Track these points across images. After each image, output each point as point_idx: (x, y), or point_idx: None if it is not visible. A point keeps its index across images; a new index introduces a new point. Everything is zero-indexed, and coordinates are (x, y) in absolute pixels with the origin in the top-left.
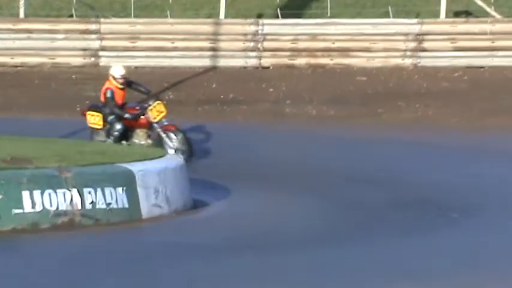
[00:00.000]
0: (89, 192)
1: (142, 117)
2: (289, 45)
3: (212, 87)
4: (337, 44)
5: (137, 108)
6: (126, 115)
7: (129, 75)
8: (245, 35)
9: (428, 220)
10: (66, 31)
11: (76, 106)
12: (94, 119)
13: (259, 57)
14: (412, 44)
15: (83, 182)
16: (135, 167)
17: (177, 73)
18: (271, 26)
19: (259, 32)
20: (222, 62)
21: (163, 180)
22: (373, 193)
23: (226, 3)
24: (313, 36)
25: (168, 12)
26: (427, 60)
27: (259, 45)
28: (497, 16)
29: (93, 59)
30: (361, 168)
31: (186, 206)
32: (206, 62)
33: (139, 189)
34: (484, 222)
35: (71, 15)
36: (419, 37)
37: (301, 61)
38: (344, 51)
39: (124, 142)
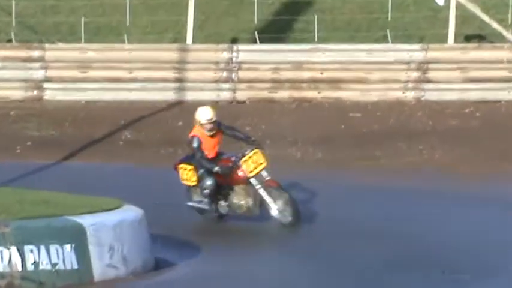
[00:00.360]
0: (31, 251)
1: (238, 171)
2: (269, 75)
3: (177, 125)
4: (326, 74)
5: (232, 159)
6: (216, 169)
7: (218, 118)
8: (217, 63)
9: (433, 283)
10: (4, 58)
11: (16, 148)
12: (186, 174)
13: (234, 90)
14: (415, 74)
15: (24, 239)
16: (86, 221)
17: (135, 109)
18: (247, 52)
19: (234, 59)
20: (190, 96)
21: (120, 236)
22: (366, 251)
23: (194, 26)
24: (298, 65)
25: (125, 36)
26: (432, 94)
27: (234, 75)
28: None
29: (36, 91)
30: (354, 221)
31: (146, 267)
32: (170, 96)
33: (90, 247)
34: (500, 284)
35: (10, 40)
36: (424, 66)
37: (283, 94)
38: (334, 83)
39: (222, 203)
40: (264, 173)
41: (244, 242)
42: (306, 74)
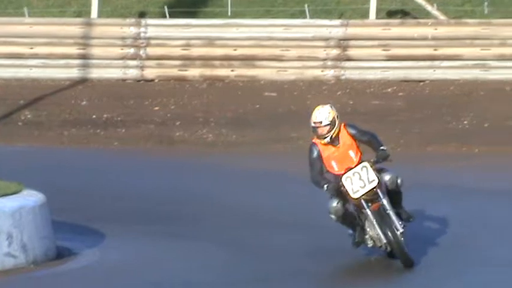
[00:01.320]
0: None
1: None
2: (179, 52)
3: (81, 105)
4: (239, 51)
5: None
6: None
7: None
8: (123, 38)
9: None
10: None
11: None
12: None
13: (142, 67)
14: (335, 52)
15: None
16: None
17: (36, 87)
18: (156, 27)
19: (142, 35)
20: (95, 73)
21: (19, 223)
22: (284, 238)
23: None
24: (210, 41)
25: (26, 9)
26: (352, 72)
27: (142, 51)
28: (441, 17)
29: None
30: (267, 207)
31: (48, 256)
32: (74, 73)
33: None
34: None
35: None
36: (343, 43)
37: (194, 72)
38: (248, 60)
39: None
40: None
41: (152, 229)
42: (218, 51)
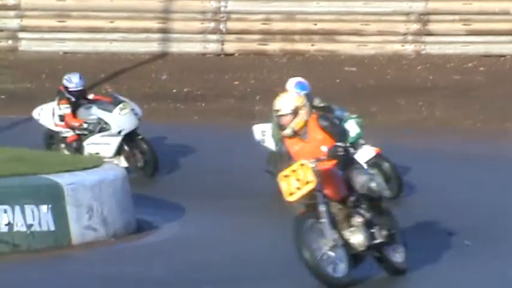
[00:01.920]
0: (5, 211)
1: None
2: (259, 26)
3: (162, 79)
4: (319, 26)
5: None
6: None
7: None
8: (204, 12)
9: (435, 248)
10: None
11: None
12: None
13: (222, 42)
14: (415, 26)
15: None
16: (64, 179)
17: (117, 61)
18: (237, 1)
19: (222, 9)
20: (175, 47)
21: (99, 197)
22: None
23: None
24: (290, 16)
25: None
26: (433, 47)
27: (222, 26)
28: None
29: (10, 41)
30: None
31: (127, 229)
32: (154, 47)
33: (68, 208)
34: (504, 250)
35: None
36: (424, 17)
37: (274, 47)
38: (329, 35)
39: None
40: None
41: (233, 205)
42: (298, 26)
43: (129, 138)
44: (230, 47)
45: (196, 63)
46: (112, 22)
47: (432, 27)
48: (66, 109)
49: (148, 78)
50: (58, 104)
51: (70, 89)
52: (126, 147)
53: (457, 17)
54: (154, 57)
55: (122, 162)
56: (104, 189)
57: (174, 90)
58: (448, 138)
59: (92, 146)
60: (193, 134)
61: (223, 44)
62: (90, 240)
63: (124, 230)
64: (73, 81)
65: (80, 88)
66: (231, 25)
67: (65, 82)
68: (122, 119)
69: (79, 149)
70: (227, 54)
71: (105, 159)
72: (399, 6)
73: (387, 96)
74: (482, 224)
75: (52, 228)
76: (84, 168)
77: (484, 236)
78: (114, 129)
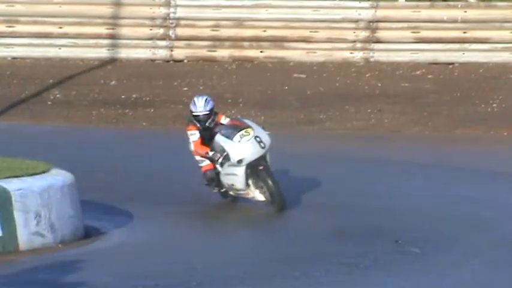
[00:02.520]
0: None
1: None
2: (208, 32)
3: (110, 84)
4: (269, 32)
5: None
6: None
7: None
8: (153, 19)
9: (382, 255)
10: None
11: None
12: None
13: (171, 48)
14: (364, 33)
15: None
16: (12, 185)
17: (65, 66)
18: (186, 8)
19: (171, 15)
20: (124, 53)
21: (48, 202)
22: (313, 221)
23: None
24: (239, 22)
25: None
26: (382, 54)
27: (171, 32)
28: (471, 0)
29: None
30: (298, 189)
31: (75, 235)
32: (103, 53)
33: (16, 213)
34: (450, 258)
35: None
36: (373, 25)
37: (223, 53)
38: (278, 41)
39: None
40: None
41: (183, 210)
42: (247, 32)
43: (253, 169)
44: (179, 53)
45: (145, 69)
46: (61, 28)
47: (381, 34)
48: (192, 136)
49: (97, 84)
50: (186, 130)
51: (194, 114)
52: (249, 180)
53: (405, 24)
54: (104, 63)
55: (257, 195)
56: (52, 195)
57: (123, 96)
58: (396, 146)
59: (225, 176)
60: (142, 140)
61: (172, 50)
62: (38, 246)
63: (72, 236)
64: (197, 105)
65: (205, 113)
66: (180, 31)
67: (190, 106)
68: (241, 147)
69: (213, 180)
70: (176, 61)
71: (240, 192)
72: (348, 13)
73: (336, 104)
74: (430, 232)
75: None
76: (32, 174)
77: (432, 244)
78: (233, 158)
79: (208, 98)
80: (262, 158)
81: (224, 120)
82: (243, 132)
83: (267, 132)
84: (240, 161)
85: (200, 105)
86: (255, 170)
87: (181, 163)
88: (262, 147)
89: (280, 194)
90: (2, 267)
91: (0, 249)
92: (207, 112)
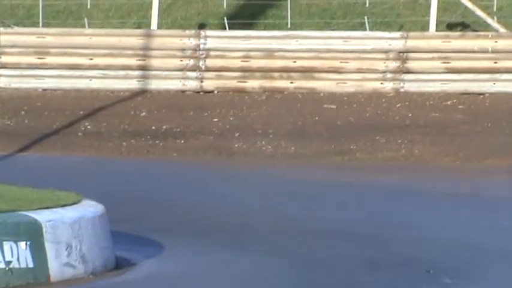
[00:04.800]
0: None
1: None
2: (238, 63)
3: (141, 116)
4: (299, 63)
5: None
6: None
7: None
8: (183, 50)
9: (413, 285)
10: None
11: None
12: None
13: (201, 79)
14: (394, 64)
15: None
16: (43, 216)
17: (96, 98)
18: (216, 39)
19: (201, 46)
20: (154, 85)
21: (79, 234)
22: (343, 251)
23: (159, 10)
24: (269, 53)
25: (86, 20)
26: (412, 85)
27: (201, 63)
28: (501, 30)
29: None
30: (329, 219)
31: (106, 266)
32: (133, 84)
33: (47, 245)
34: None
35: None
36: (403, 55)
37: (253, 84)
38: (308, 72)
39: None
40: None
41: (214, 242)
42: (278, 63)
43: None
44: (209, 84)
45: (175, 101)
46: (91, 59)
47: (411, 65)
48: None
49: (127, 115)
50: None
51: None
52: None
53: (436, 54)
54: (134, 94)
55: None
56: (83, 226)
57: (153, 127)
58: (427, 176)
59: None
60: (172, 171)
61: (202, 81)
62: (69, 277)
63: (103, 267)
64: None
65: None
66: (210, 62)
67: None
68: None
69: None
70: (206, 92)
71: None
72: (378, 44)
73: (366, 134)
74: (463, 263)
75: (31, 265)
76: (63, 205)
77: (465, 275)
78: None
79: None
80: None
81: None
82: None
83: None
84: None
85: None
86: None
87: (210, 194)
88: None
89: None
90: None
91: (31, 280)
92: None
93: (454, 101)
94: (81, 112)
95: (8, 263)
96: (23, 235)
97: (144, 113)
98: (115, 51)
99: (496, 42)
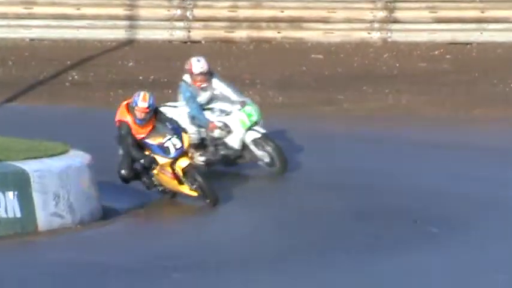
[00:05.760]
0: None
1: None
2: (226, 13)
3: (128, 65)
4: (286, 13)
5: None
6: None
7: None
8: (170, 0)
9: (401, 235)
10: None
11: None
12: None
13: (188, 29)
14: (381, 14)
15: None
16: (30, 166)
17: (83, 48)
18: None
19: None
20: (141, 35)
21: (66, 183)
22: (333, 201)
23: None
24: (257, 3)
25: None
26: (400, 34)
27: (188, 13)
28: None
29: None
30: (318, 169)
31: (93, 216)
32: (121, 34)
33: (35, 195)
34: (469, 238)
35: None
36: (390, 5)
37: (241, 34)
38: (295, 22)
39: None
40: None
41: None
42: (265, 13)
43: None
44: (196, 34)
45: (163, 51)
46: (79, 9)
47: (399, 14)
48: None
49: (115, 65)
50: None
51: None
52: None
53: (423, 4)
54: (121, 44)
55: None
56: (70, 176)
57: (141, 77)
58: (414, 126)
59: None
60: None
61: (189, 31)
62: (57, 227)
63: (90, 216)
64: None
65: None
66: (198, 12)
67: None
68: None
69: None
70: (194, 42)
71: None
72: None
73: (353, 84)
74: (449, 212)
75: (18, 215)
76: (51, 155)
77: (452, 224)
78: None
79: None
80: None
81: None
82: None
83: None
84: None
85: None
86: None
87: None
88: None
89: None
90: (21, 248)
91: (19, 230)
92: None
93: (442, 50)
94: (69, 62)
95: None
96: (10, 185)
97: (131, 63)
98: (102, 1)
99: None
